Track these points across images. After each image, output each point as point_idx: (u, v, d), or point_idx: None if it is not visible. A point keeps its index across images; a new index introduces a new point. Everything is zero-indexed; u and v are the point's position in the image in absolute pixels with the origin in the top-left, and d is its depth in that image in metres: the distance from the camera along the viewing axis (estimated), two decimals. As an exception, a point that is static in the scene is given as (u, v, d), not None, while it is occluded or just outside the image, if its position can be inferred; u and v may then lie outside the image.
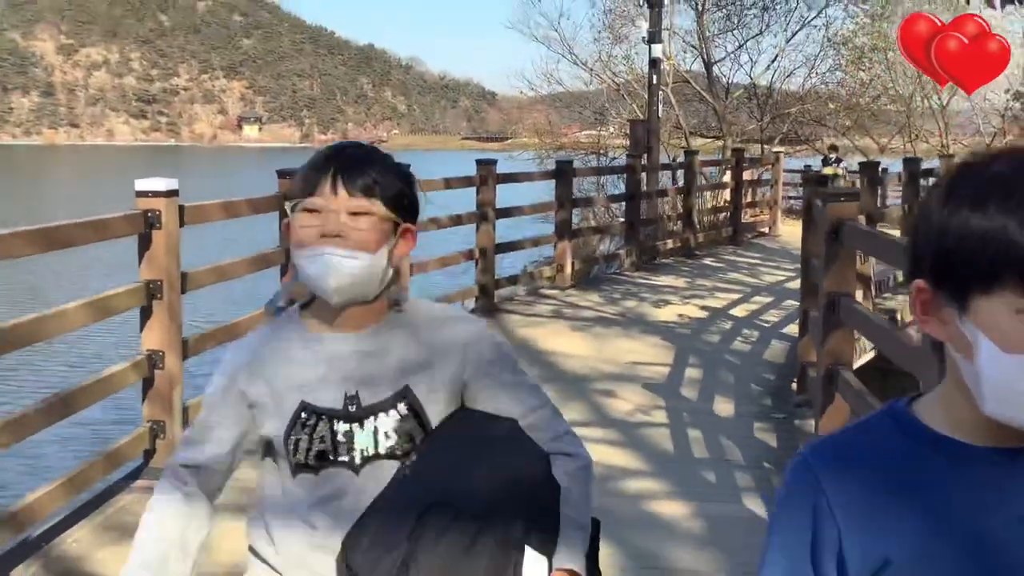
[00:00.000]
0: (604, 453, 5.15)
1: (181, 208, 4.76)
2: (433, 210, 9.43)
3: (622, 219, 12.51)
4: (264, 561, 1.62)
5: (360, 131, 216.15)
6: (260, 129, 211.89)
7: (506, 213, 9.85)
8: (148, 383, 4.65)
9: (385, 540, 1.48)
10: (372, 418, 1.55)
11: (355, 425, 1.55)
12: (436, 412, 1.57)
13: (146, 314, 4.64)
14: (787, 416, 5.88)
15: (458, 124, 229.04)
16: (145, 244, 4.58)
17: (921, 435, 1.04)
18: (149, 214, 4.49)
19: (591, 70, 23.02)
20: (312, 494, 1.56)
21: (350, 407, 1.55)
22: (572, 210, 11.05)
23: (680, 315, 9.29)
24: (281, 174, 6.49)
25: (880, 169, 10.21)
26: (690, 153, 13.94)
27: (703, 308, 9.69)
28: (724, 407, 6.21)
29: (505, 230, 10.00)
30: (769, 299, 10.12)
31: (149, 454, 4.62)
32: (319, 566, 1.54)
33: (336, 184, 1.50)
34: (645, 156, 15.18)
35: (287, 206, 1.55)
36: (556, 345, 7.88)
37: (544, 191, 11.07)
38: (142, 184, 4.56)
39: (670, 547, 4.01)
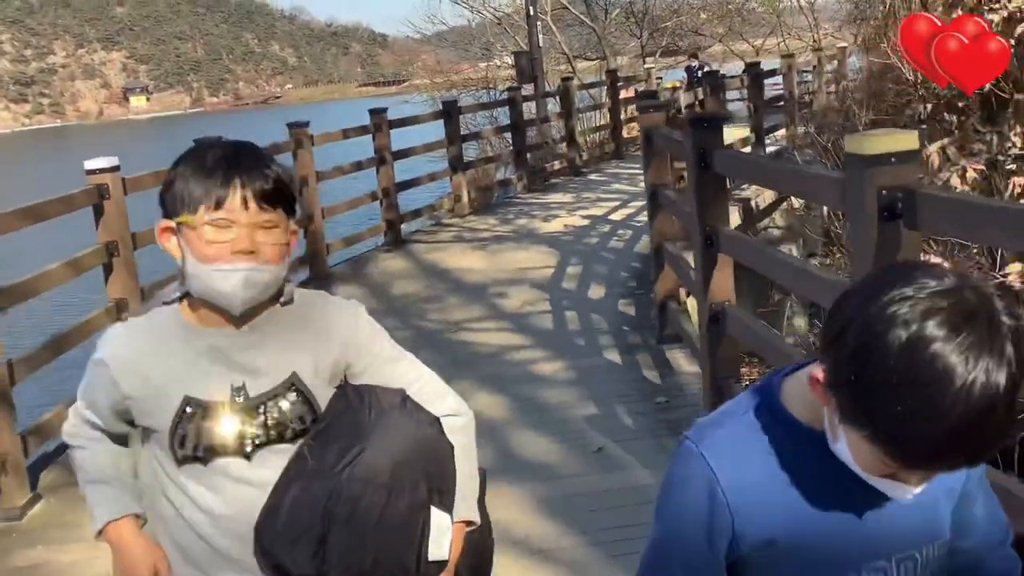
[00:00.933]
0: (497, 337, 6.43)
1: (123, 180, 5.75)
2: (336, 158, 10.45)
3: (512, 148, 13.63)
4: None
5: (252, 89, 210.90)
6: (148, 99, 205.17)
7: (403, 154, 10.89)
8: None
9: (298, 522, 1.50)
10: (262, 407, 1.56)
11: (244, 415, 1.55)
12: (321, 395, 1.61)
13: (108, 270, 5.65)
14: (644, 292, 7.20)
15: (353, 71, 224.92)
16: (99, 213, 5.58)
17: (794, 427, 1.17)
18: (100, 187, 5.49)
19: (471, 6, 23.83)
20: (204, 483, 1.56)
21: (237, 398, 1.55)
22: (462, 145, 12.13)
23: (566, 225, 10.55)
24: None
25: (720, 75, 11.55)
26: (566, 79, 15.07)
27: (586, 217, 10.96)
28: (597, 292, 7.51)
29: (403, 171, 11.02)
30: (644, 202, 11.43)
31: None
32: (236, 558, 1.56)
33: (245, 197, 1.48)
34: (532, 86, 16.32)
35: (185, 219, 1.49)
36: (458, 263, 9.07)
37: (438, 131, 12.08)
38: (91, 163, 5.54)
39: (544, 391, 5.30)
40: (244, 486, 1.54)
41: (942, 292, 1.00)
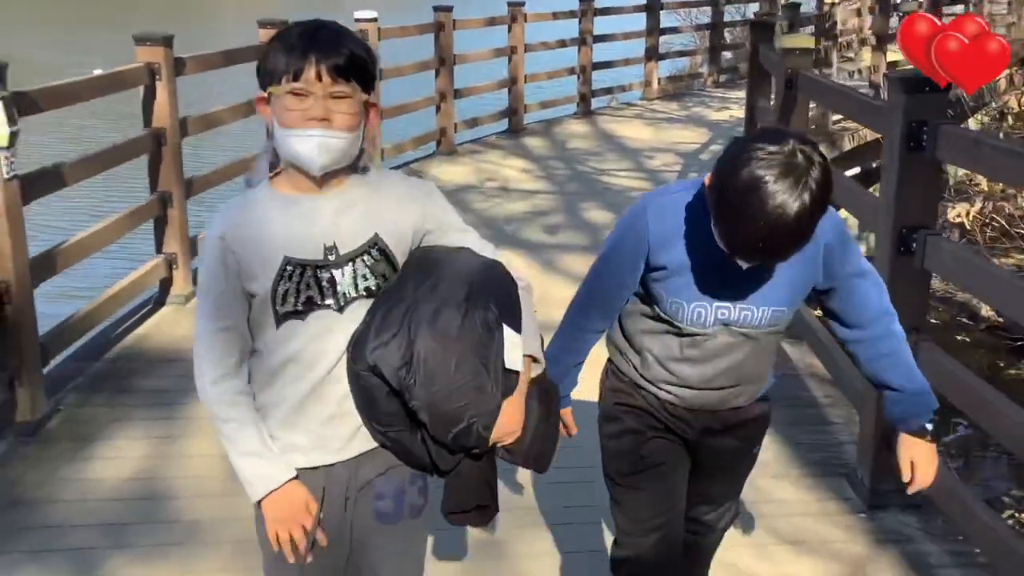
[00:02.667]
0: (630, 182, 8.51)
1: (379, 29, 8.10)
2: (543, 36, 12.52)
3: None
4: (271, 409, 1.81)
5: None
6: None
7: (603, 39, 12.79)
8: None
9: (387, 330, 1.71)
10: (350, 264, 1.75)
11: (336, 271, 1.74)
12: (401, 254, 1.80)
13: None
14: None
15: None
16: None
17: (704, 207, 1.82)
18: (362, 32, 7.88)
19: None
20: (303, 335, 1.75)
21: (329, 256, 1.74)
22: (660, 37, 13.84)
23: (731, 116, 12.18)
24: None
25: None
26: (774, -12, 16.23)
27: (753, 112, 12.53)
28: (722, 163, 9.34)
29: (603, 54, 12.90)
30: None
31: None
32: (328, 397, 1.78)
33: (320, 69, 1.64)
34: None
35: (272, 89, 1.68)
36: (627, 133, 11.06)
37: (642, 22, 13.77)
38: (358, 14, 7.95)
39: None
40: (338, 335, 1.75)
41: (779, 153, 1.66)
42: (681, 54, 15.14)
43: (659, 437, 2.12)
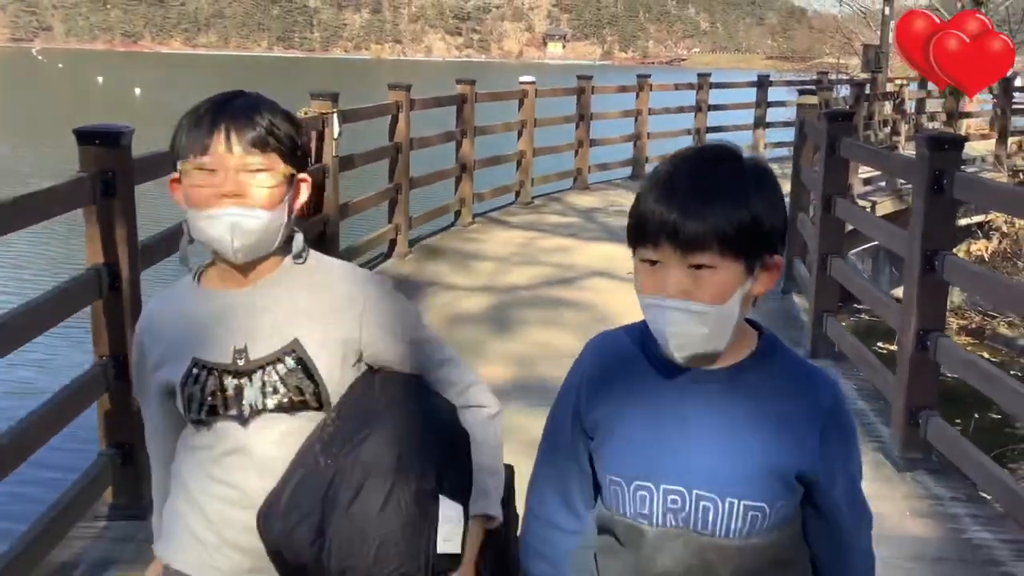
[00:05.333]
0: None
1: (536, 90, 11.06)
2: (666, 102, 15.25)
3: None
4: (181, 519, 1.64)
5: (660, 49, 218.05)
6: (563, 47, 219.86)
7: (717, 107, 15.43)
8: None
9: (297, 507, 1.51)
10: (260, 372, 1.56)
11: (244, 379, 1.56)
12: (327, 366, 1.57)
13: (520, 135, 10.97)
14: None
15: (762, 42, 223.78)
16: (521, 103, 10.91)
17: (646, 345, 1.42)
18: (523, 90, 10.81)
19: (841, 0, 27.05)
20: (208, 449, 1.60)
21: (239, 360, 1.57)
22: (768, 109, 16.37)
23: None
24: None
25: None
26: (875, 71, 18.55)
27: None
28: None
29: (716, 120, 15.51)
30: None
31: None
32: (225, 518, 1.59)
33: (229, 140, 1.50)
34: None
35: (180, 166, 1.53)
36: (729, 182, 13.56)
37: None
38: (522, 78, 10.92)
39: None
40: (238, 454, 1.57)
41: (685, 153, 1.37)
42: (787, 124, 17.52)
43: None
